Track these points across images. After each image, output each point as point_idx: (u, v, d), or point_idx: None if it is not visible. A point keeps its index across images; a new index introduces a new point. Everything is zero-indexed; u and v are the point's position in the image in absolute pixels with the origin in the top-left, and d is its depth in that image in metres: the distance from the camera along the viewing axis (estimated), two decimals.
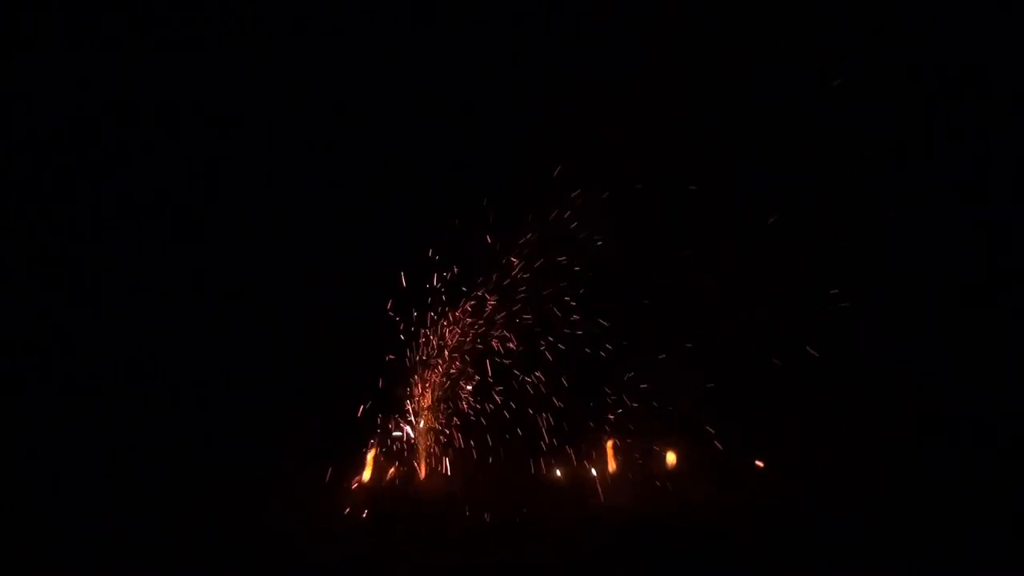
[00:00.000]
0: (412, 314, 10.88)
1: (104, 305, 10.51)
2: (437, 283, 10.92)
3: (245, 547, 8.98)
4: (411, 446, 10.94)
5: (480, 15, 10.78)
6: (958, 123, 10.49)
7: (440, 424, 10.98)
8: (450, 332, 11.05)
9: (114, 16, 10.48)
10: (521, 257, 10.89)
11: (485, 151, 10.96)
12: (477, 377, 10.98)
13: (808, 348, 10.26)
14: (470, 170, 10.94)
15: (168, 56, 10.57)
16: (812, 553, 8.75)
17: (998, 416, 10.04)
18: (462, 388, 11.01)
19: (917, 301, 10.48)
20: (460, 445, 10.82)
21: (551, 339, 10.83)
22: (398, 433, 10.89)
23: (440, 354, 11.05)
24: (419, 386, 11.04)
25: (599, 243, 10.77)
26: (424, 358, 11.03)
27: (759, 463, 10.55)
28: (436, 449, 10.90)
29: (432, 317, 10.98)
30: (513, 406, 10.83)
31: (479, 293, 10.97)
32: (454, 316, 11.04)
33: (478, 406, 10.90)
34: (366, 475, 10.68)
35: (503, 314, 10.94)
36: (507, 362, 10.93)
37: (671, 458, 10.97)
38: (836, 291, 10.32)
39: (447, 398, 11.06)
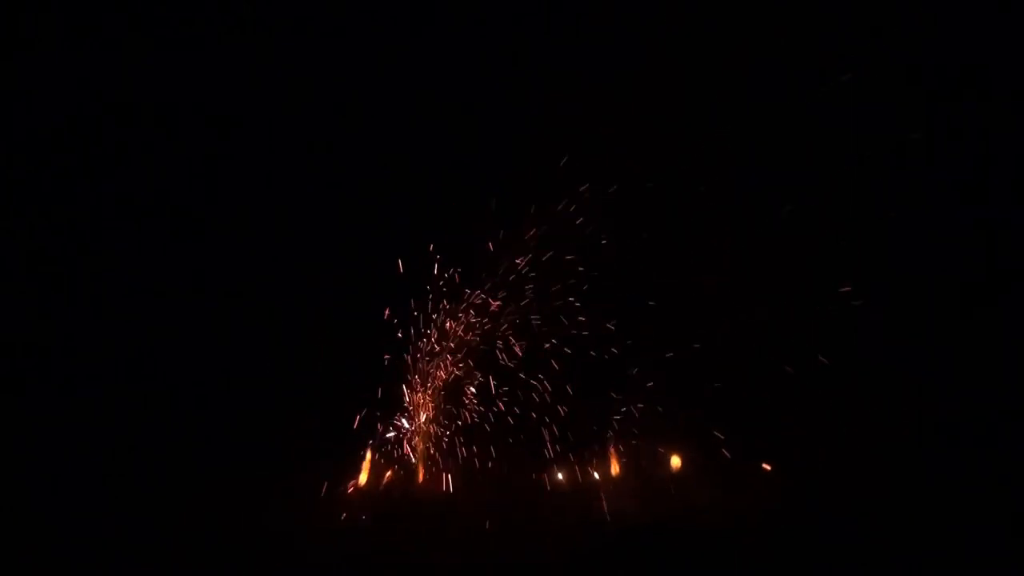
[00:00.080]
0: (413, 314, 10.88)
1: (104, 305, 10.50)
2: (438, 282, 10.91)
3: (245, 547, 8.98)
4: (410, 448, 10.92)
5: (480, 15, 10.77)
6: (958, 123, 10.49)
7: (440, 427, 10.95)
8: (451, 332, 11.03)
9: (114, 16, 10.48)
10: (523, 256, 10.87)
11: (485, 151, 10.96)
12: (480, 379, 10.95)
13: (820, 356, 10.28)
14: (470, 170, 10.94)
15: (168, 56, 10.56)
16: (813, 553, 8.74)
17: (998, 416, 10.03)
18: (464, 391, 10.98)
19: (917, 301, 10.47)
20: (462, 451, 10.78)
21: (555, 341, 10.81)
22: (392, 434, 10.87)
23: (441, 356, 11.03)
24: (418, 388, 11.02)
25: (603, 242, 10.75)
26: (424, 359, 11.01)
27: (766, 466, 10.57)
28: (435, 452, 10.88)
29: (433, 318, 10.97)
30: (517, 410, 10.80)
31: (480, 292, 10.95)
32: (455, 316, 11.03)
33: (481, 408, 10.87)
34: (362, 478, 10.65)
35: (505, 313, 10.92)
36: (512, 365, 10.91)
37: (676, 461, 10.97)
38: (847, 288, 10.31)
39: (447, 400, 11.04)
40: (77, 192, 10.62)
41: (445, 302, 10.92)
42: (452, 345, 11.03)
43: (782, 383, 10.50)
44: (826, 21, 10.38)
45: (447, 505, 10.18)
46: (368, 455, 10.77)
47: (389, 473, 10.79)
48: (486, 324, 10.94)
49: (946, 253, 10.49)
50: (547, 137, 10.63)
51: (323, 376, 10.65)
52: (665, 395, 10.83)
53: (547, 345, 10.82)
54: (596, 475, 10.86)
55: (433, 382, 11.05)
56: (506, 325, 10.95)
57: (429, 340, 11.02)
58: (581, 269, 10.77)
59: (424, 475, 10.80)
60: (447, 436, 10.93)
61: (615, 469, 10.96)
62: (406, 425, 10.98)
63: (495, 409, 10.83)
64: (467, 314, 11.00)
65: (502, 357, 10.94)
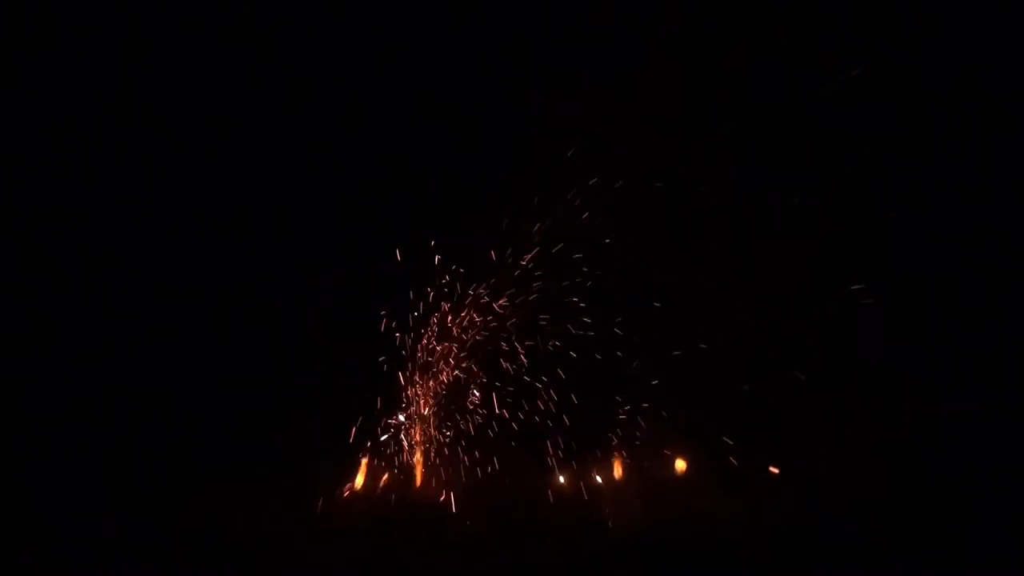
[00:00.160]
0: (413, 315, 10.86)
1: (104, 305, 10.50)
2: (438, 281, 10.90)
3: (244, 548, 8.98)
4: (408, 450, 10.91)
5: (480, 15, 10.77)
6: (958, 123, 10.49)
7: (439, 430, 10.93)
8: (452, 332, 11.00)
9: (114, 16, 10.48)
10: (525, 255, 10.86)
11: (485, 150, 10.96)
12: (481, 379, 10.92)
13: (819, 358, 10.29)
14: (470, 170, 10.94)
15: (168, 56, 10.56)
16: (813, 553, 8.75)
17: (998, 416, 10.03)
18: (464, 393, 10.94)
19: (917, 301, 10.47)
20: (463, 457, 10.75)
21: (557, 343, 10.79)
22: (388, 435, 10.84)
23: (442, 357, 11.01)
24: (418, 389, 11.00)
25: (607, 240, 10.73)
26: (424, 360, 11.00)
27: (774, 469, 10.59)
28: (435, 455, 10.85)
29: (434, 318, 10.96)
30: (519, 413, 10.77)
31: (482, 291, 10.93)
32: (456, 316, 11.02)
33: (482, 410, 10.84)
34: (359, 481, 10.63)
35: (507, 312, 10.90)
36: (513, 366, 10.88)
37: (680, 465, 10.97)
38: (859, 287, 10.31)
39: (447, 402, 11.01)
40: (77, 192, 10.62)
41: (445, 302, 10.91)
42: (454, 348, 11.02)
43: (782, 383, 10.51)
44: (826, 21, 10.38)
45: (446, 508, 10.17)
46: (364, 458, 10.74)
47: (386, 476, 10.77)
48: (491, 322, 10.91)
49: (946, 253, 10.49)
50: (547, 137, 10.62)
51: (323, 376, 10.64)
52: (669, 397, 10.82)
53: (550, 347, 10.80)
54: (598, 478, 10.86)
55: (433, 383, 11.03)
56: (508, 323, 10.92)
57: (429, 340, 11.01)
58: (585, 269, 10.76)
59: (423, 478, 10.78)
60: (447, 438, 10.91)
61: (618, 472, 10.96)
62: (404, 426, 10.96)
63: (496, 411, 10.81)
64: (468, 313, 10.99)
65: (503, 360, 10.92)
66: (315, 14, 10.84)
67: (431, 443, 10.93)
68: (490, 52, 10.79)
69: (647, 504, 10.18)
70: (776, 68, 10.51)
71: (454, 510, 10.04)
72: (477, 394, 10.85)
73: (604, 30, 10.69)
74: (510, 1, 10.90)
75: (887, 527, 9.05)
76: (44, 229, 10.47)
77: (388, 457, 10.90)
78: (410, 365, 10.97)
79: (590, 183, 10.63)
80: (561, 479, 10.76)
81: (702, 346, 10.64)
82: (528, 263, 10.88)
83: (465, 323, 11.01)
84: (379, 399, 10.85)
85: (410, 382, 11.01)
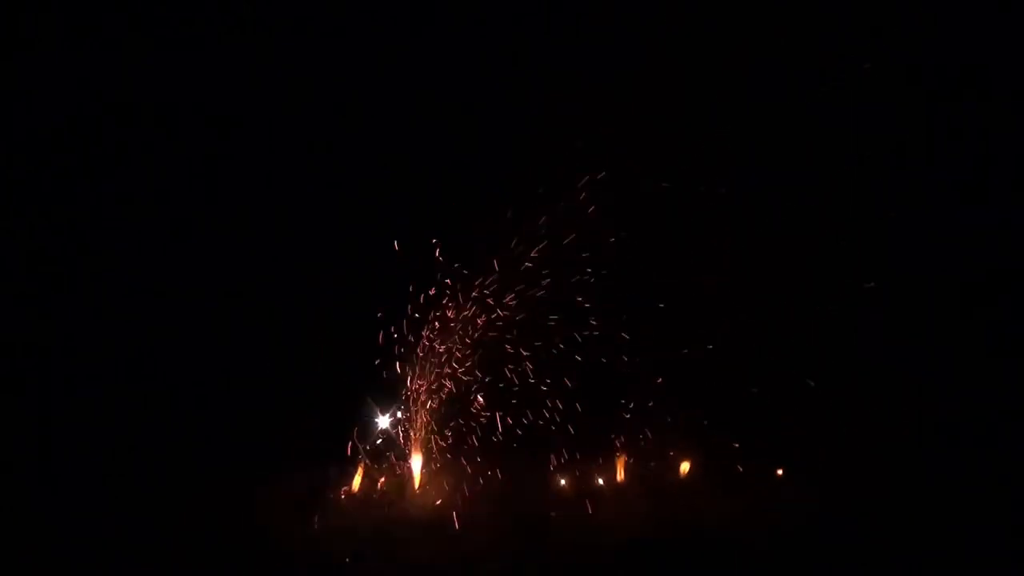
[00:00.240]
0: (415, 316, 10.84)
1: (104, 305, 10.50)
2: (439, 282, 10.88)
3: (243, 547, 8.98)
4: (408, 452, 10.88)
5: (480, 15, 10.77)
6: (958, 123, 10.49)
7: (439, 432, 10.90)
8: (455, 330, 10.96)
9: (114, 16, 10.48)
10: (523, 255, 10.85)
11: (485, 150, 10.96)
12: (485, 379, 10.88)
13: (818, 359, 10.31)
14: (470, 169, 10.94)
15: (168, 56, 10.56)
16: (813, 553, 8.75)
17: (998, 416, 10.04)
18: (466, 393, 10.90)
19: (917, 301, 10.48)
20: (464, 459, 10.72)
21: (562, 346, 10.76)
22: (385, 437, 10.82)
23: (444, 359, 10.97)
24: (418, 389, 10.98)
25: (612, 240, 10.71)
26: (424, 361, 10.98)
27: (779, 472, 10.60)
28: (435, 455, 10.83)
29: (435, 320, 10.93)
30: (521, 416, 10.74)
31: (484, 292, 10.92)
32: (456, 317, 10.99)
33: (487, 412, 10.81)
34: (356, 484, 10.61)
35: (508, 311, 10.88)
36: (516, 368, 10.85)
37: (684, 467, 10.97)
38: (871, 284, 10.32)
39: (448, 403, 10.98)
40: (77, 192, 10.62)
41: (447, 301, 10.88)
42: (455, 348, 10.99)
43: (783, 384, 10.51)
44: (826, 21, 10.38)
45: (446, 509, 10.15)
46: (361, 460, 10.72)
47: (384, 479, 10.74)
48: (495, 321, 10.87)
49: (946, 253, 10.49)
50: (547, 136, 10.62)
51: (323, 376, 10.64)
52: (673, 398, 10.81)
53: (553, 351, 10.77)
54: (601, 480, 10.85)
55: (434, 384, 11.01)
56: (505, 321, 10.90)
57: (430, 340, 10.98)
58: (589, 270, 10.74)
59: (422, 480, 10.75)
60: (448, 439, 10.89)
61: (621, 474, 10.95)
62: (404, 426, 10.95)
63: (498, 412, 10.79)
64: (469, 312, 10.96)
65: (505, 360, 10.88)
66: (315, 14, 10.84)
67: (431, 444, 10.91)
68: (490, 52, 10.79)
69: (650, 505, 10.17)
70: (776, 68, 10.51)
71: (456, 511, 10.02)
72: (481, 400, 10.81)
73: (604, 30, 10.69)
74: (510, 1, 10.91)
75: (887, 527, 9.05)
76: (44, 229, 10.47)
77: (387, 459, 10.87)
78: (410, 365, 10.94)
79: (598, 177, 10.58)
80: (563, 481, 10.75)
81: (709, 347, 10.63)
82: (528, 263, 10.86)
83: (465, 323, 10.99)
84: (379, 399, 10.84)
85: (410, 382, 10.99)
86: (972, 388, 10.16)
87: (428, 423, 10.93)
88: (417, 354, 10.92)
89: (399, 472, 10.84)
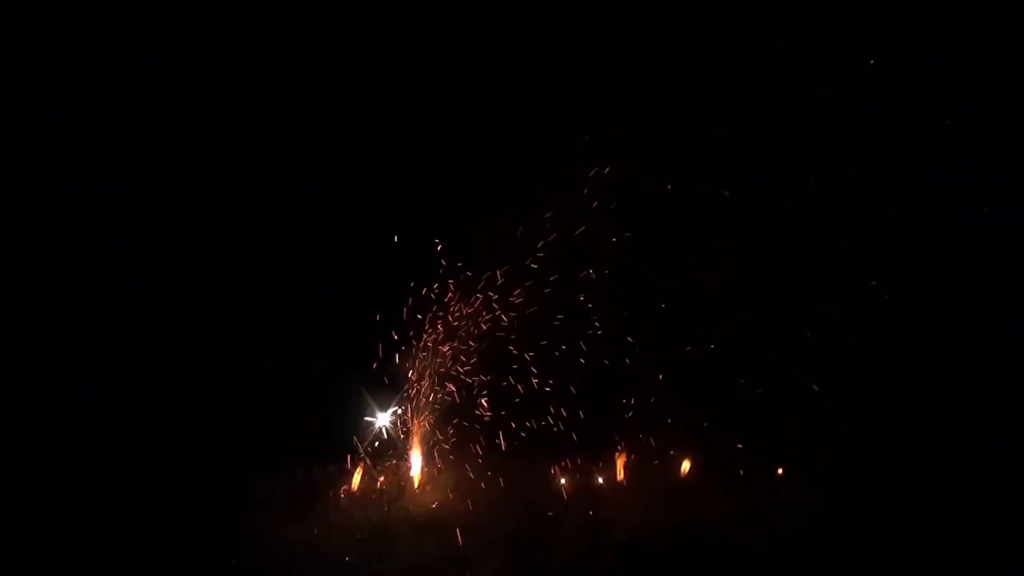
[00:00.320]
0: (416, 316, 10.84)
1: (104, 305, 10.50)
2: (438, 282, 10.89)
3: (242, 547, 8.98)
4: (408, 451, 10.88)
5: (480, 15, 10.77)
6: (958, 123, 10.50)
7: (440, 431, 10.89)
8: (456, 329, 10.95)
9: (114, 16, 10.48)
10: (523, 255, 10.85)
11: (485, 150, 10.96)
12: (484, 380, 10.87)
13: (818, 359, 10.32)
14: (470, 169, 10.93)
15: (168, 56, 10.56)
16: (813, 553, 8.75)
17: (998, 416, 10.04)
18: (466, 393, 10.89)
19: (917, 301, 10.48)
20: (465, 462, 10.70)
21: (564, 348, 10.75)
22: (385, 437, 10.81)
23: (446, 361, 10.96)
24: (419, 389, 10.98)
25: (613, 240, 10.72)
26: (424, 360, 10.98)
27: (779, 471, 10.60)
28: (436, 455, 10.82)
29: (436, 320, 10.93)
30: (521, 414, 10.72)
31: (484, 294, 10.92)
32: (456, 316, 10.99)
33: (490, 412, 10.80)
34: (355, 483, 10.60)
35: (509, 309, 10.87)
36: (517, 368, 10.84)
37: (685, 466, 10.97)
38: (875, 283, 10.34)
39: (448, 403, 10.97)
40: (77, 192, 10.62)
41: (448, 299, 10.87)
42: (457, 347, 10.98)
43: (783, 384, 10.51)
44: (826, 21, 10.38)
45: (445, 510, 10.15)
46: (361, 459, 10.71)
47: (383, 478, 10.73)
48: (497, 320, 10.85)
49: (946, 253, 10.50)
50: (548, 136, 10.62)
51: (323, 376, 10.63)
52: (673, 398, 10.81)
53: (556, 352, 10.75)
54: (602, 480, 10.84)
55: (432, 383, 11.00)
56: (509, 322, 10.89)
57: (431, 340, 10.98)
58: (592, 271, 10.73)
59: (422, 480, 10.74)
60: (449, 439, 10.88)
61: (621, 474, 10.95)
62: (403, 426, 10.94)
63: (499, 413, 10.78)
64: (470, 311, 10.95)
65: (505, 360, 10.87)
66: (315, 14, 10.84)
67: (431, 443, 10.90)
68: (490, 52, 10.79)
69: (650, 505, 10.17)
70: (776, 68, 10.51)
71: (455, 511, 10.02)
72: (481, 399, 10.80)
73: (604, 30, 10.69)
74: (510, 1, 10.91)
75: (887, 527, 9.06)
76: (44, 229, 10.47)
77: (387, 458, 10.87)
78: (410, 364, 10.93)
79: (604, 172, 10.57)
80: (564, 480, 10.74)
81: (710, 347, 10.62)
82: (528, 262, 10.86)
83: (466, 321, 10.98)
84: (379, 398, 10.84)
85: (410, 381, 10.98)
86: (972, 388, 10.16)
87: (428, 422, 10.92)
88: (417, 353, 10.92)
89: (399, 471, 10.83)
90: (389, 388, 10.88)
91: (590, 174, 10.66)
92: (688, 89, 10.48)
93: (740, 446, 10.62)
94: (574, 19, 10.77)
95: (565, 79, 10.63)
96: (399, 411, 10.94)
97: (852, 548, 8.76)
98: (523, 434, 10.72)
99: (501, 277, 10.87)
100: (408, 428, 10.95)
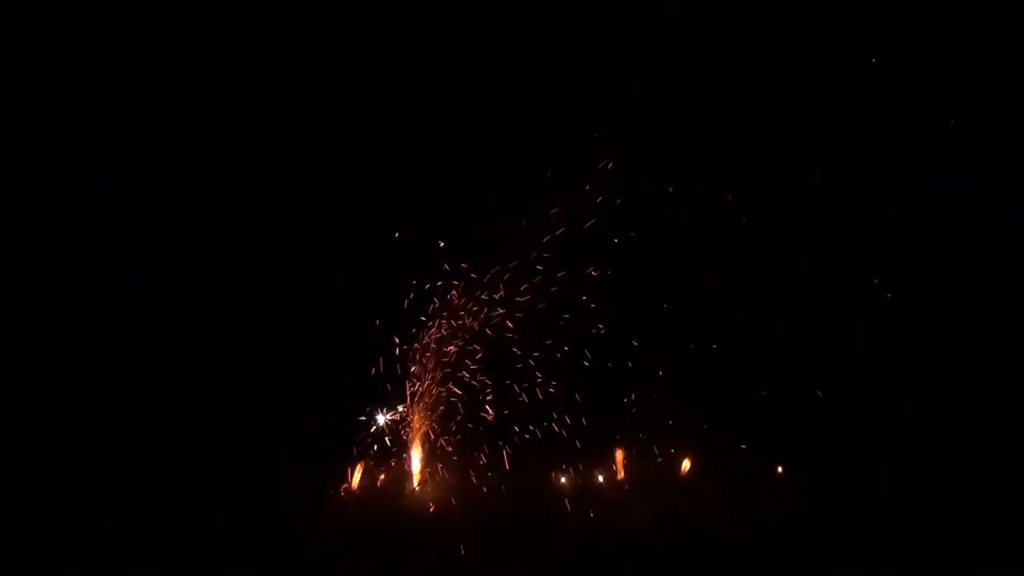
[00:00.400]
0: (418, 317, 10.83)
1: (104, 305, 10.50)
2: (438, 282, 10.89)
3: (242, 547, 8.98)
4: (407, 450, 10.88)
5: (480, 15, 10.78)
6: (958, 123, 10.50)
7: (439, 430, 10.89)
8: (459, 325, 10.94)
9: (114, 16, 10.48)
10: (523, 255, 10.85)
11: (485, 150, 10.96)
12: (485, 381, 10.87)
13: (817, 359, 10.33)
14: (470, 169, 10.94)
15: (168, 56, 10.56)
16: (813, 553, 8.75)
17: (998, 416, 10.04)
18: (466, 393, 10.88)
19: (917, 301, 10.49)
20: (466, 461, 10.69)
21: (566, 349, 10.74)
22: (385, 436, 10.80)
23: (446, 361, 10.95)
24: (419, 388, 10.97)
25: (615, 240, 10.72)
26: (424, 358, 10.98)
27: (779, 470, 10.59)
28: (436, 455, 10.82)
29: (438, 319, 10.92)
30: (527, 421, 10.71)
31: (483, 293, 10.92)
32: (457, 314, 10.99)
33: (489, 412, 10.79)
34: (355, 481, 10.60)
35: (510, 307, 10.86)
36: (517, 368, 10.84)
37: (685, 464, 10.97)
38: (877, 281, 10.35)
39: (447, 402, 10.98)
40: (77, 192, 10.62)
41: (449, 297, 10.87)
42: (457, 346, 10.97)
43: (783, 384, 10.52)
44: (826, 21, 10.39)
45: (445, 509, 10.15)
46: (360, 459, 10.71)
47: (383, 476, 10.74)
48: (497, 319, 10.85)
49: (946, 253, 10.50)
50: (547, 136, 10.62)
51: (322, 376, 10.64)
52: (674, 398, 10.81)
53: (557, 353, 10.75)
54: (601, 479, 10.84)
55: (433, 382, 11.01)
56: (510, 320, 10.89)
57: (431, 340, 10.98)
58: (594, 272, 10.73)
59: (421, 478, 10.75)
60: (449, 438, 10.88)
61: (621, 473, 10.95)
62: (403, 426, 10.94)
63: (499, 412, 10.78)
64: (470, 309, 10.96)
65: (506, 360, 10.87)
66: (315, 14, 10.84)
67: (431, 442, 10.90)
68: (490, 52, 10.80)
69: (650, 505, 10.17)
70: (776, 68, 10.52)
71: (455, 510, 10.02)
72: (481, 399, 10.79)
73: (604, 30, 10.69)
74: (510, 1, 10.91)
75: (887, 527, 9.06)
76: (44, 229, 10.47)
77: (387, 456, 10.87)
78: (410, 362, 10.94)
79: (608, 167, 10.57)
80: (563, 480, 10.74)
81: (711, 346, 10.63)
82: (527, 262, 10.86)
83: (466, 320, 10.98)
84: (379, 397, 10.84)
85: (410, 379, 10.99)
86: (972, 388, 10.17)
87: (428, 421, 10.93)
88: (417, 351, 10.93)
89: (399, 470, 10.83)
90: (390, 387, 10.89)
91: (591, 173, 10.67)
92: (688, 89, 10.48)
93: (740, 446, 10.62)
94: (574, 19, 10.78)
95: (566, 79, 10.64)
96: (400, 410, 10.94)
97: (852, 548, 8.75)
98: (523, 433, 10.73)
99: (500, 276, 10.88)
100: (409, 427, 10.96)
